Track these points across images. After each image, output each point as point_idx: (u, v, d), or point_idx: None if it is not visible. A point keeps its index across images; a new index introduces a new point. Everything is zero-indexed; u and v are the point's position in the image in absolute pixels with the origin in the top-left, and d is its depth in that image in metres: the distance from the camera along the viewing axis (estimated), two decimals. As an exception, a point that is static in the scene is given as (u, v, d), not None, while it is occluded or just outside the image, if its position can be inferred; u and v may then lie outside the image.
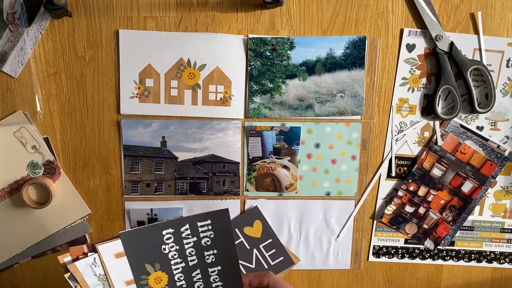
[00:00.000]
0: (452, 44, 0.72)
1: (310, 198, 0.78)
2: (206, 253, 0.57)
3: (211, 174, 0.76)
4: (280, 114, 0.74)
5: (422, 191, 0.78)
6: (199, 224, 0.56)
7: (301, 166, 0.76)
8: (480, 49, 0.73)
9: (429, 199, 0.78)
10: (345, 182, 0.78)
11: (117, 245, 0.55)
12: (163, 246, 0.56)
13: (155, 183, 0.75)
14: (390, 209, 0.79)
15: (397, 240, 0.81)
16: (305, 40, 0.72)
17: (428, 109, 0.76)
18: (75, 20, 0.69)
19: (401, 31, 0.72)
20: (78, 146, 0.73)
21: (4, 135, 0.70)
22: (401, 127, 0.76)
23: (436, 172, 0.77)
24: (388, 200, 0.79)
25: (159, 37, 0.70)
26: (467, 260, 0.83)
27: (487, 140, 0.76)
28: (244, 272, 0.79)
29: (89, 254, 0.55)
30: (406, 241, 0.81)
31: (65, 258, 0.54)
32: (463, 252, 0.82)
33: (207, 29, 0.71)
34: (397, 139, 0.77)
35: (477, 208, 0.80)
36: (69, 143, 0.73)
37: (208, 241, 0.56)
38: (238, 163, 0.75)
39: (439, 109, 0.75)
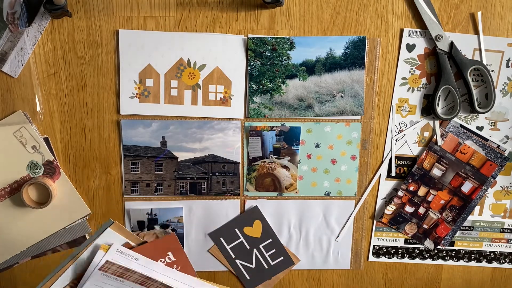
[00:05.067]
0: (452, 44, 0.72)
1: (310, 198, 0.78)
2: None
3: (211, 174, 0.76)
4: (280, 114, 0.74)
5: (422, 191, 0.78)
6: None
7: (301, 166, 0.76)
8: (480, 49, 0.73)
9: (429, 199, 0.78)
10: (345, 182, 0.78)
11: None
12: None
13: (155, 183, 0.75)
14: (390, 209, 0.79)
15: (397, 240, 0.81)
16: (305, 40, 0.72)
17: (428, 109, 0.76)
18: (75, 20, 0.69)
19: (401, 31, 0.72)
20: (78, 146, 0.73)
21: (4, 135, 0.70)
22: (401, 127, 0.76)
23: (436, 172, 0.77)
24: (388, 200, 0.79)
25: (159, 37, 0.70)
26: (467, 260, 0.83)
27: (487, 140, 0.76)
28: (246, 274, 0.80)
29: None
30: (406, 241, 0.81)
31: None
32: (463, 252, 0.82)
33: (207, 29, 0.71)
34: (397, 139, 0.77)
35: (477, 208, 0.80)
36: (69, 143, 0.73)
37: None
38: (238, 163, 0.75)
39: (439, 109, 0.75)
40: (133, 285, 0.65)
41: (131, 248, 0.70)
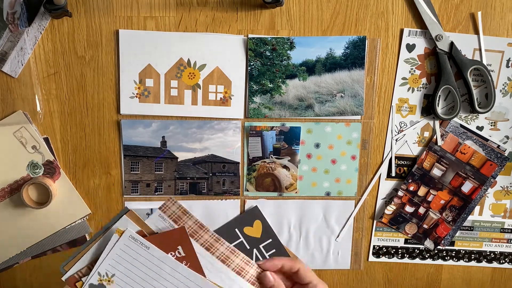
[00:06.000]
0: (452, 44, 0.72)
1: (310, 198, 0.78)
2: None
3: (211, 174, 0.76)
4: (280, 114, 0.74)
5: (422, 191, 0.78)
6: None
7: (301, 166, 0.76)
8: (480, 49, 0.73)
9: (429, 199, 0.78)
10: (345, 182, 0.78)
11: None
12: None
13: (155, 183, 0.75)
14: (390, 209, 0.79)
15: (397, 240, 0.81)
16: (305, 40, 0.72)
17: (428, 109, 0.76)
18: (75, 20, 0.69)
19: (401, 31, 0.72)
20: (78, 146, 0.73)
21: (4, 135, 0.70)
22: (401, 127, 0.76)
23: (436, 172, 0.77)
24: (388, 200, 0.79)
25: (159, 37, 0.70)
26: (467, 260, 0.83)
27: (487, 140, 0.76)
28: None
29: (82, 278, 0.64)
30: (406, 241, 0.81)
31: None
32: (463, 252, 0.82)
33: (207, 29, 0.71)
34: (397, 139, 0.77)
35: (477, 208, 0.80)
36: (69, 143, 0.73)
37: None
38: (238, 163, 0.75)
39: (439, 109, 0.75)
40: (153, 261, 0.66)
41: (143, 236, 0.70)
